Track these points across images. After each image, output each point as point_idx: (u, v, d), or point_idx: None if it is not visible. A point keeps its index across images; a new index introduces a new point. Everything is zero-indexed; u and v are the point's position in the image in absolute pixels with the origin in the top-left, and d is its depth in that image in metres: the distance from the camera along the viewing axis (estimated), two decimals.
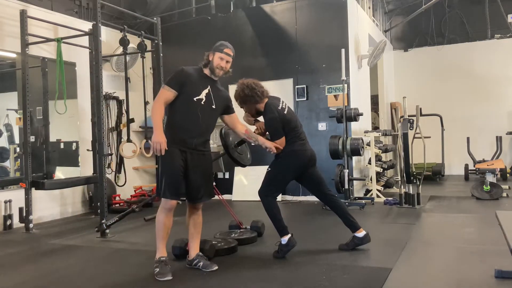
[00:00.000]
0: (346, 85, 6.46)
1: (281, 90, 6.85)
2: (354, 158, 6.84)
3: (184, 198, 3.42)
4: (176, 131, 3.31)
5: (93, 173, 6.05)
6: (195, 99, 3.30)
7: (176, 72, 3.40)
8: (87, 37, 6.05)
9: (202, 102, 3.32)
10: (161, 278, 3.19)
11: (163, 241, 3.33)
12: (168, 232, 3.36)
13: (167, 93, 3.29)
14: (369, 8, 8.76)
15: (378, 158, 7.38)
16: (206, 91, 3.36)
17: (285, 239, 3.71)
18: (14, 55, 5.73)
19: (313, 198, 6.29)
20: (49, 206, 5.96)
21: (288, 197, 6.97)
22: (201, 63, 3.49)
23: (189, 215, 3.49)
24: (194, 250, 3.48)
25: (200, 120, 3.32)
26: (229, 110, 3.57)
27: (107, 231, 4.72)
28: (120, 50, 6.26)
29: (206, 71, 3.44)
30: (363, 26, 7.85)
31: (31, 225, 5.27)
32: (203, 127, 3.37)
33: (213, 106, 3.39)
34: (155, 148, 3.19)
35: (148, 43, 6.53)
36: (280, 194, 6.32)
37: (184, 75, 3.36)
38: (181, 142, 3.29)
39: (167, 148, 3.20)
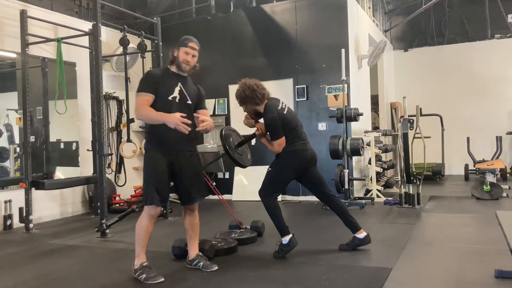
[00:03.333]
0: (346, 85, 6.46)
1: (281, 90, 6.86)
2: (354, 158, 6.84)
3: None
4: (158, 135, 3.23)
5: (93, 173, 6.05)
6: (169, 98, 3.24)
7: (144, 77, 3.37)
8: (87, 37, 6.05)
9: (177, 100, 3.26)
10: (153, 281, 3.14)
11: (144, 248, 3.26)
12: (148, 239, 3.28)
13: (145, 97, 3.18)
14: (369, 8, 8.76)
15: (378, 158, 7.38)
16: (178, 88, 3.28)
17: (286, 239, 3.71)
18: (14, 55, 5.73)
19: (313, 198, 6.29)
20: (49, 206, 5.96)
21: (288, 197, 6.97)
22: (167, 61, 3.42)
23: (185, 217, 3.46)
24: (193, 250, 3.48)
25: None
26: (200, 105, 3.45)
27: (107, 231, 4.72)
28: (120, 50, 6.26)
29: (173, 69, 3.36)
30: (363, 26, 7.85)
31: (31, 225, 5.27)
32: None
33: (188, 102, 3.32)
34: (180, 128, 3.03)
35: (148, 43, 6.53)
36: (280, 194, 6.32)
37: (154, 77, 3.32)
38: (165, 146, 3.23)
39: (152, 163, 3.15)
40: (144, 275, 3.17)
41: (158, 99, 3.22)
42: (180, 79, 3.34)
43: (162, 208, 4.97)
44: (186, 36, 3.42)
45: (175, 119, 3.04)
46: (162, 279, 3.16)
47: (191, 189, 3.35)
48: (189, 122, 3.08)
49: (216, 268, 3.39)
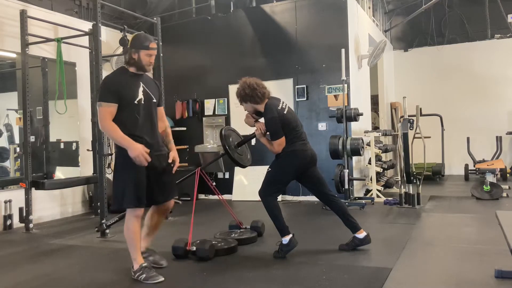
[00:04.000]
0: (346, 85, 6.46)
1: (281, 90, 6.86)
2: (354, 158, 6.84)
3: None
4: (130, 137, 3.12)
5: (93, 173, 6.05)
6: (135, 102, 3.16)
7: (103, 84, 3.28)
8: (87, 37, 6.05)
9: (143, 102, 3.19)
10: (152, 280, 3.13)
11: (138, 250, 3.23)
12: (140, 239, 3.26)
13: (109, 109, 3.08)
14: (369, 8, 8.76)
15: (378, 158, 7.38)
16: (141, 89, 3.21)
17: (286, 239, 3.71)
18: (14, 55, 5.72)
19: (313, 198, 6.29)
20: (49, 206, 5.95)
21: (288, 197, 6.97)
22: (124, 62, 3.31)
23: (154, 216, 3.43)
24: (145, 244, 3.43)
25: (149, 121, 3.23)
26: (159, 102, 3.39)
27: (107, 231, 4.72)
28: (120, 50, 6.25)
29: (132, 69, 3.23)
30: (363, 26, 7.85)
31: (31, 225, 5.27)
32: (154, 126, 3.28)
33: (154, 100, 3.28)
34: (141, 160, 3.03)
35: None
36: (280, 194, 6.32)
37: (114, 83, 3.18)
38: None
39: (128, 165, 3.07)
40: (144, 275, 3.16)
41: (123, 105, 3.12)
42: (140, 78, 3.26)
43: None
44: (144, 37, 3.25)
45: (138, 152, 3.01)
46: (162, 279, 3.15)
47: (167, 187, 3.34)
48: (149, 159, 3.06)
49: (165, 264, 3.44)
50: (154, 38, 3.26)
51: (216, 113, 7.68)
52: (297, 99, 7.11)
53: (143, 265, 3.21)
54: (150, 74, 7.70)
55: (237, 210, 5.97)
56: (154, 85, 3.38)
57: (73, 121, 6.43)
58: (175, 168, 3.34)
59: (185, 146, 7.83)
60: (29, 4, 5.82)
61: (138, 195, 3.12)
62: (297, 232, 3.90)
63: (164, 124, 3.46)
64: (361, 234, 3.83)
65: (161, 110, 3.42)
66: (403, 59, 10.59)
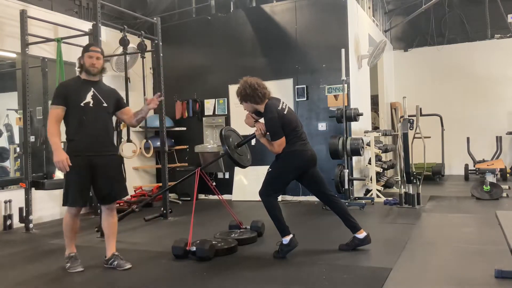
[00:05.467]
0: (346, 85, 6.46)
1: (281, 90, 6.86)
2: (354, 158, 6.84)
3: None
4: (76, 140, 3.45)
5: None
6: (82, 104, 3.43)
7: (56, 89, 3.56)
8: (87, 37, 6.05)
9: (91, 105, 3.45)
10: (73, 270, 3.45)
11: (72, 241, 3.57)
12: (76, 232, 3.61)
13: (56, 111, 3.41)
14: (369, 8, 8.76)
15: (378, 158, 7.38)
16: (91, 93, 3.47)
17: (286, 239, 3.71)
18: (14, 55, 5.73)
19: (313, 198, 6.29)
20: (49, 206, 5.95)
21: (288, 197, 6.97)
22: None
23: (103, 216, 3.67)
24: (110, 250, 3.61)
25: (96, 123, 3.47)
26: (120, 105, 3.67)
27: None
28: (120, 50, 6.25)
29: (84, 76, 3.53)
30: (363, 26, 7.85)
31: (31, 225, 5.28)
32: (100, 129, 3.50)
33: (104, 105, 3.52)
34: (59, 167, 3.33)
35: (148, 43, 6.52)
36: (280, 194, 6.32)
37: (64, 88, 3.51)
38: (85, 149, 3.43)
39: (70, 164, 3.33)
40: (68, 264, 3.51)
41: (71, 107, 3.42)
42: (92, 84, 3.52)
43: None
44: (89, 43, 3.72)
45: (59, 159, 3.29)
46: (81, 269, 3.46)
47: (111, 188, 3.54)
48: (67, 168, 3.32)
49: (129, 266, 3.52)
50: (93, 46, 3.66)
51: (216, 113, 7.68)
52: (297, 99, 7.11)
53: (71, 254, 3.55)
54: (150, 74, 7.77)
55: (237, 210, 5.97)
56: (109, 92, 3.63)
57: None
58: (153, 103, 3.58)
59: (185, 146, 7.83)
60: (29, 4, 5.82)
61: (75, 196, 3.43)
62: (297, 232, 3.89)
63: (133, 118, 3.70)
64: (361, 234, 3.83)
65: (127, 110, 3.72)
66: (403, 59, 10.59)
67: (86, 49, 3.54)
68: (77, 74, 3.62)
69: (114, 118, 3.76)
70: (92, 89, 3.48)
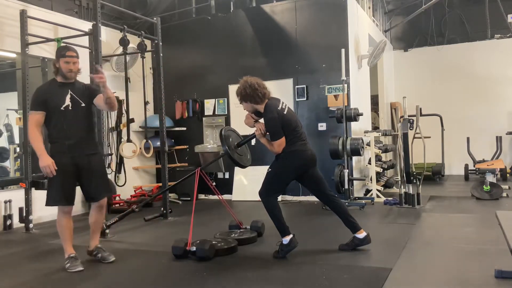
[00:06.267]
0: (346, 85, 6.46)
1: (281, 90, 6.86)
2: (354, 158, 6.84)
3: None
4: (59, 143, 3.52)
5: None
6: (62, 108, 3.50)
7: (33, 95, 3.60)
8: (87, 37, 6.05)
9: (70, 108, 3.52)
10: (72, 270, 3.48)
11: (69, 242, 3.61)
12: (71, 233, 3.64)
13: (36, 116, 3.47)
14: (369, 8, 8.76)
15: (378, 158, 7.38)
16: (68, 96, 3.53)
17: (286, 239, 3.71)
18: (14, 55, 5.73)
19: (313, 198, 6.29)
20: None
21: (288, 197, 6.97)
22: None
23: (91, 212, 3.80)
24: (94, 243, 3.81)
25: (77, 124, 3.55)
26: (93, 95, 3.63)
27: (107, 231, 4.72)
28: (120, 50, 6.25)
29: (60, 79, 3.58)
30: (363, 26, 7.85)
31: (31, 225, 5.28)
32: (81, 130, 3.59)
33: (83, 105, 3.59)
34: (46, 172, 3.39)
35: (148, 43, 6.53)
36: (280, 194, 6.33)
37: (42, 93, 3.56)
38: (68, 150, 3.51)
39: (56, 168, 3.40)
40: (68, 264, 3.53)
41: (51, 112, 3.49)
42: (68, 86, 3.57)
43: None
44: (63, 47, 3.70)
45: (45, 163, 3.36)
46: (81, 268, 3.48)
47: (98, 186, 3.67)
48: (54, 173, 3.40)
49: (113, 259, 3.69)
50: (69, 51, 3.62)
51: (216, 113, 7.68)
52: (297, 99, 7.11)
53: (71, 255, 3.57)
54: (150, 75, 7.78)
55: (237, 210, 5.97)
56: (83, 89, 3.65)
57: None
58: (97, 79, 3.44)
59: (185, 146, 7.83)
60: (29, 4, 5.82)
61: (62, 194, 3.49)
62: (297, 232, 3.89)
63: (106, 104, 3.61)
64: (361, 234, 3.83)
65: (99, 98, 3.60)
66: (403, 59, 10.59)
67: (61, 54, 3.55)
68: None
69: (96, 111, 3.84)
70: (70, 92, 3.55)
